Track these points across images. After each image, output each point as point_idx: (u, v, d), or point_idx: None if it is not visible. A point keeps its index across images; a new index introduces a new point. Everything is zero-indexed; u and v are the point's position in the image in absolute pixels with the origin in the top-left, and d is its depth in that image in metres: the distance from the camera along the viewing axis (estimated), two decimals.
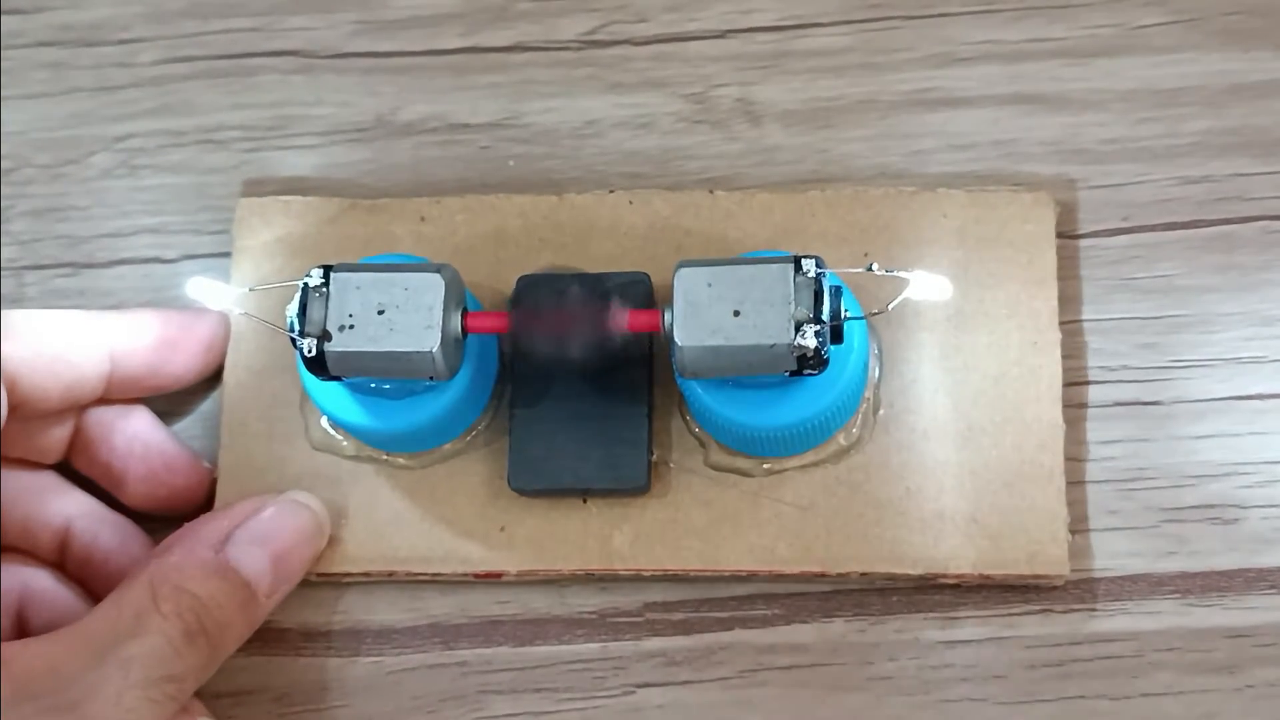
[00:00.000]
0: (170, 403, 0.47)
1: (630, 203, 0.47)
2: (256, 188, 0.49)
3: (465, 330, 0.41)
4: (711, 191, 0.47)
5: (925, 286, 0.40)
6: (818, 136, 0.48)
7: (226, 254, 0.48)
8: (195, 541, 0.42)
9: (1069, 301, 0.45)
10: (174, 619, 0.40)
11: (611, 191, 0.47)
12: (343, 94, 0.50)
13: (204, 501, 0.46)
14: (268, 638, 0.44)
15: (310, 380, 0.42)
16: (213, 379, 0.47)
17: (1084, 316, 0.46)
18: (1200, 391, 0.45)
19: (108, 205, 0.50)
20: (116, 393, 0.45)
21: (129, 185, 0.50)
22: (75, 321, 0.44)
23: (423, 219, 0.47)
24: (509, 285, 0.44)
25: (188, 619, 0.40)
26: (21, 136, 0.50)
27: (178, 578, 0.40)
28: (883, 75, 0.49)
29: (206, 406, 0.47)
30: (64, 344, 0.43)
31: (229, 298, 0.44)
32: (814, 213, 0.46)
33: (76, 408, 0.45)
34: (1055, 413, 0.44)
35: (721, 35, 0.50)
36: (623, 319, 0.41)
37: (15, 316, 0.43)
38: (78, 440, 0.45)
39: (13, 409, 0.42)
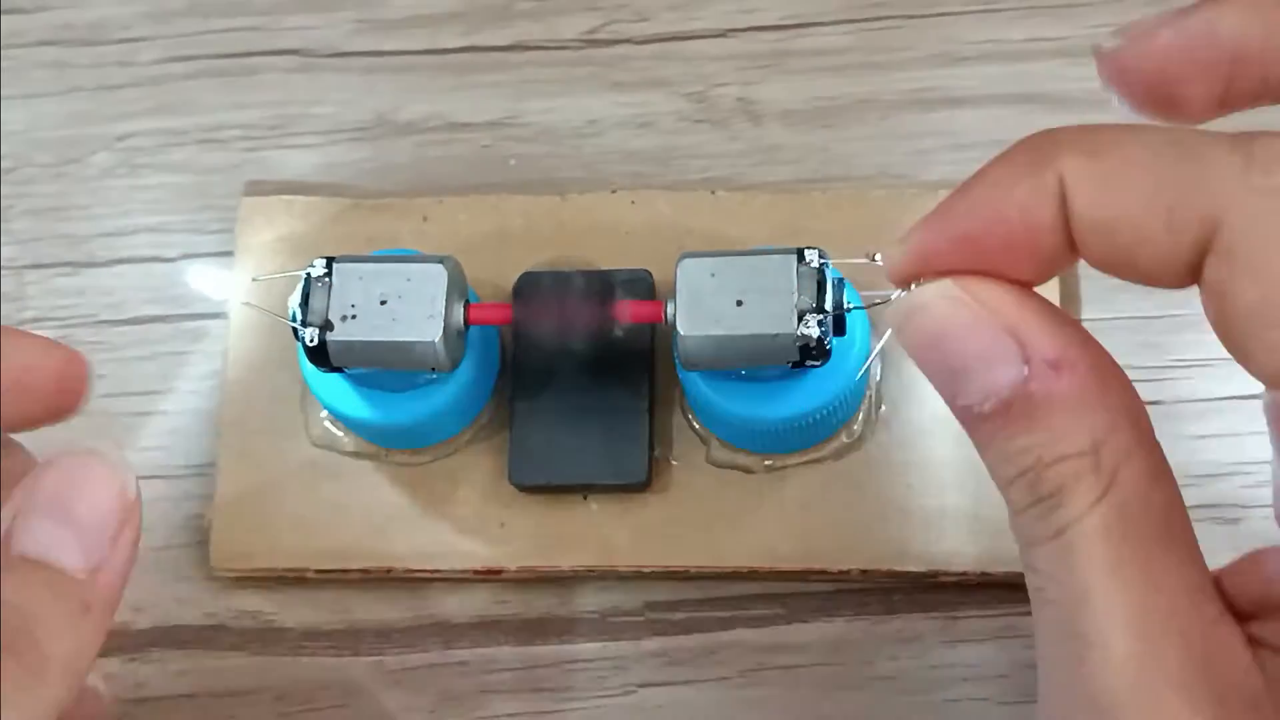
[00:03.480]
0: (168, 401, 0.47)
1: (632, 203, 0.47)
2: (257, 187, 0.49)
3: (467, 321, 0.41)
4: (713, 192, 0.47)
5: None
6: (819, 136, 0.48)
7: (226, 253, 0.48)
8: None
9: (1070, 300, 0.45)
10: None
11: (614, 191, 0.47)
12: (343, 93, 0.50)
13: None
14: (268, 638, 0.44)
15: (311, 374, 0.42)
16: (213, 379, 0.47)
17: (1085, 316, 0.45)
18: (1201, 391, 0.45)
19: (108, 204, 0.50)
20: None
21: (129, 184, 0.50)
22: None
23: (425, 218, 0.47)
24: (511, 285, 0.44)
25: None
26: (22, 136, 0.50)
27: None
28: (884, 75, 0.49)
29: (206, 403, 0.47)
30: None
31: (230, 288, 0.44)
32: (815, 213, 0.46)
33: None
34: None
35: (722, 34, 0.50)
36: (625, 310, 0.41)
37: None
38: None
39: None
